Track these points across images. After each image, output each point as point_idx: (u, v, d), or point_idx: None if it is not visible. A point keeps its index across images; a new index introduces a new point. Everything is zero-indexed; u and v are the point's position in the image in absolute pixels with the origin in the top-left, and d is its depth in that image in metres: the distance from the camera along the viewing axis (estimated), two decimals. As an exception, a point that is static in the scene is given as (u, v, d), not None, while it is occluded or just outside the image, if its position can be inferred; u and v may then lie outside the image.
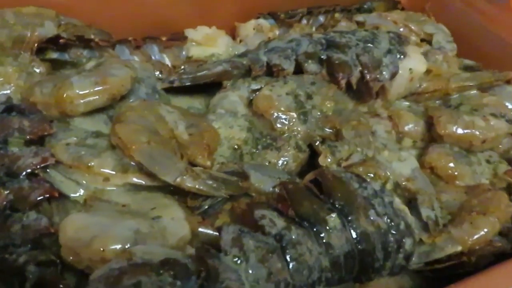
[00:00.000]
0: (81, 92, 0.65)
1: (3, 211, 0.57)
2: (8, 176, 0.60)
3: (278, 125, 0.74)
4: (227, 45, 0.90)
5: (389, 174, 0.72)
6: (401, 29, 1.04)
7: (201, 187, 0.61)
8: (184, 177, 0.61)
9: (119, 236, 0.54)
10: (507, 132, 0.83)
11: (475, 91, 0.90)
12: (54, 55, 0.80)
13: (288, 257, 0.55)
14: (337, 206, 0.61)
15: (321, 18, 1.03)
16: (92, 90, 0.66)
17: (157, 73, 0.84)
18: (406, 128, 0.86)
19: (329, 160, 0.68)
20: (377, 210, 0.63)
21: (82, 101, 0.66)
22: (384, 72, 0.85)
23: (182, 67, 0.84)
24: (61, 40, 0.78)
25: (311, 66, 0.83)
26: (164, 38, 0.86)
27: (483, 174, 0.81)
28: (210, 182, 0.62)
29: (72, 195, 0.61)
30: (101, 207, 0.60)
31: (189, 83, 0.80)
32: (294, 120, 0.75)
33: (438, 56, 0.97)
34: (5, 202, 0.58)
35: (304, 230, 0.58)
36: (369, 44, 0.87)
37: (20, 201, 0.58)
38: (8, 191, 0.58)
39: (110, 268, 0.50)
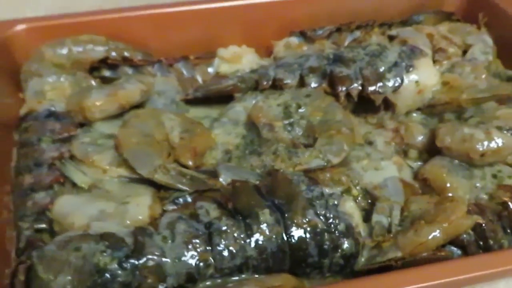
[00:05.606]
0: (96, 103, 0.83)
1: (25, 191, 0.77)
2: (35, 165, 0.79)
3: (265, 133, 0.83)
4: (251, 62, 1.01)
5: (356, 181, 0.76)
6: (440, 42, 1.03)
7: (168, 181, 0.74)
8: (157, 172, 0.74)
9: (86, 213, 0.69)
10: (514, 147, 0.80)
11: (493, 103, 0.87)
12: (106, 73, 1.00)
13: (213, 242, 0.65)
14: (276, 203, 0.69)
15: (357, 33, 1.07)
16: (104, 101, 0.83)
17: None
18: (412, 140, 0.88)
19: (283, 164, 0.75)
20: (317, 211, 0.69)
21: (97, 109, 0.83)
22: (385, 85, 0.88)
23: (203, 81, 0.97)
24: (108, 61, 0.97)
25: (311, 79, 0.90)
26: (192, 57, 1.00)
27: (484, 188, 0.79)
28: (178, 177, 0.75)
29: (79, 182, 0.78)
30: (93, 192, 0.76)
31: (201, 96, 0.93)
32: (279, 129, 0.83)
33: (467, 67, 0.95)
34: (28, 184, 0.77)
35: (234, 221, 0.67)
36: (375, 58, 0.90)
37: (38, 184, 0.77)
38: (31, 176, 0.78)
39: (65, 235, 0.65)
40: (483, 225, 0.70)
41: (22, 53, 0.97)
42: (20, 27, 0.98)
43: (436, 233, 0.66)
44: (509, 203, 0.73)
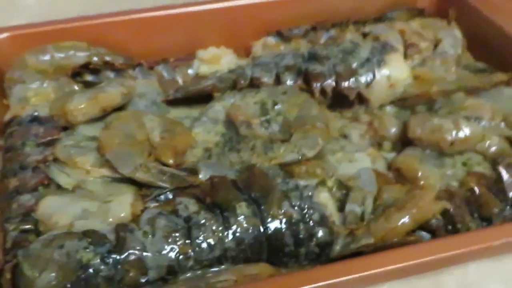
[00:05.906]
0: (78, 106, 0.85)
1: (11, 193, 0.79)
2: (20, 169, 0.82)
3: (242, 130, 0.86)
4: (230, 62, 1.04)
5: (331, 173, 0.79)
6: (411, 37, 1.07)
7: (149, 179, 0.76)
8: (138, 170, 0.77)
9: (70, 213, 0.71)
10: (481, 135, 0.84)
11: (462, 94, 0.90)
12: (88, 77, 1.02)
13: (192, 236, 0.68)
14: (253, 196, 0.72)
15: (333, 31, 1.10)
16: (86, 105, 0.86)
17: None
18: (385, 132, 0.91)
19: (259, 159, 0.78)
20: (292, 202, 0.72)
21: (79, 113, 0.85)
22: (358, 80, 0.91)
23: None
24: (90, 66, 1.00)
25: (287, 77, 0.93)
26: (172, 59, 1.03)
27: (454, 176, 0.83)
28: (159, 175, 0.77)
29: (63, 184, 0.80)
30: (77, 192, 0.78)
31: (181, 96, 0.96)
32: (256, 125, 0.86)
33: (437, 61, 0.99)
34: (13, 187, 0.80)
35: (212, 215, 0.69)
36: (348, 55, 0.93)
37: (23, 186, 0.79)
38: (17, 179, 0.80)
39: (50, 234, 0.68)
40: (451, 210, 0.73)
41: (5, 61, 0.99)
42: (3, 35, 1.00)
43: (405, 218, 0.69)
44: (476, 188, 0.76)
